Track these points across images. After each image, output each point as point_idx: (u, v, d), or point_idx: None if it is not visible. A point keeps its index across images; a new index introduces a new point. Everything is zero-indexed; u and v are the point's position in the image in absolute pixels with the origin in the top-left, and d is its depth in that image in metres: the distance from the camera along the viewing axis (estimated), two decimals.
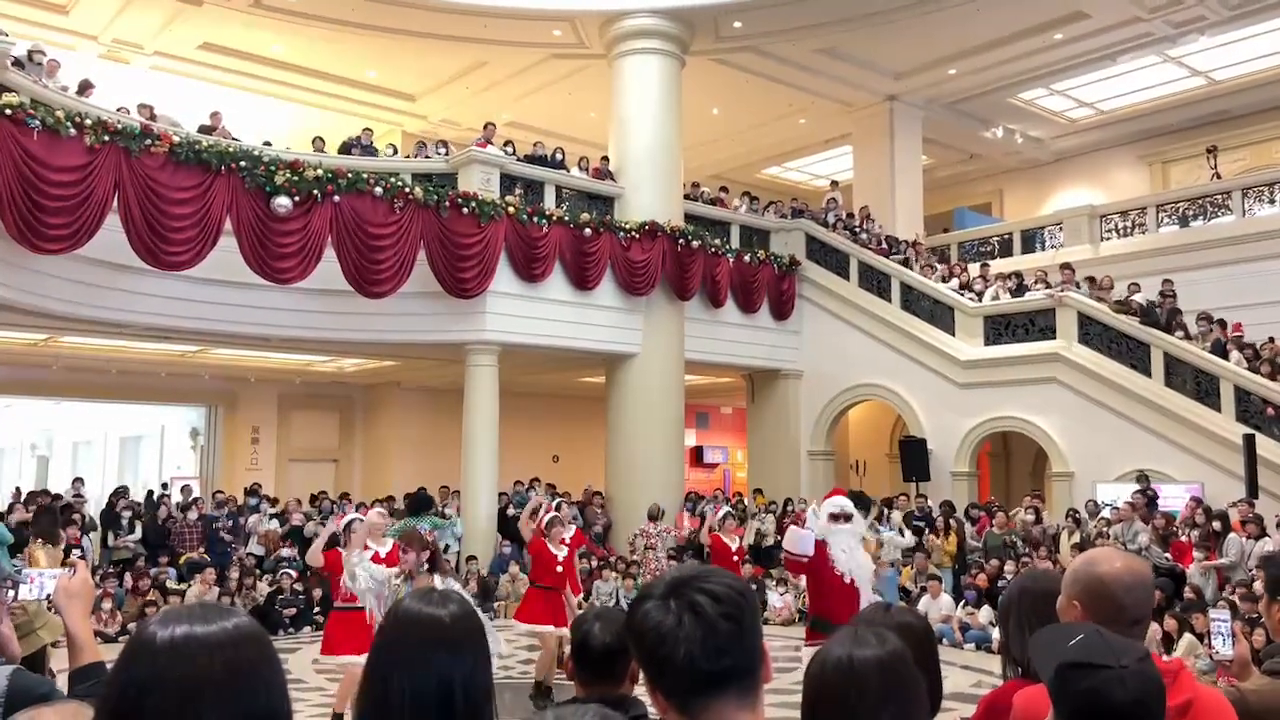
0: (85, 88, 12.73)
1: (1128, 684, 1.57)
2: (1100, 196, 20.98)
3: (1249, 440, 12.52)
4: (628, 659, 2.55)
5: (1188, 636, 9.36)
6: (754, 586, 12.78)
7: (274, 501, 16.08)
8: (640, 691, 2.30)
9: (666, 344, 16.38)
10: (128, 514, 14.49)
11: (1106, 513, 13.24)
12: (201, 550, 14.07)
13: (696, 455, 23.51)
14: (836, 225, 19.05)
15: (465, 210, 13.95)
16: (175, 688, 1.23)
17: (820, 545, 7.09)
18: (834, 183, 22.16)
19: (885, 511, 15.12)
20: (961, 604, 12.56)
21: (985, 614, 11.98)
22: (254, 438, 20.28)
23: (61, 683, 2.32)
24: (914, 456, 16.29)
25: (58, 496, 14.49)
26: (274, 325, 13.52)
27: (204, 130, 13.54)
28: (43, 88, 11.36)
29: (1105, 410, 14.55)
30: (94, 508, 15.28)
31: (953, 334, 16.57)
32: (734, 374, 19.34)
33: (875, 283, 17.77)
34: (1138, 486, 13.38)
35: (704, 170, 22.15)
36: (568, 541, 9.32)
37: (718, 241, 17.29)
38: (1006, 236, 20.29)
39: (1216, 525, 11.86)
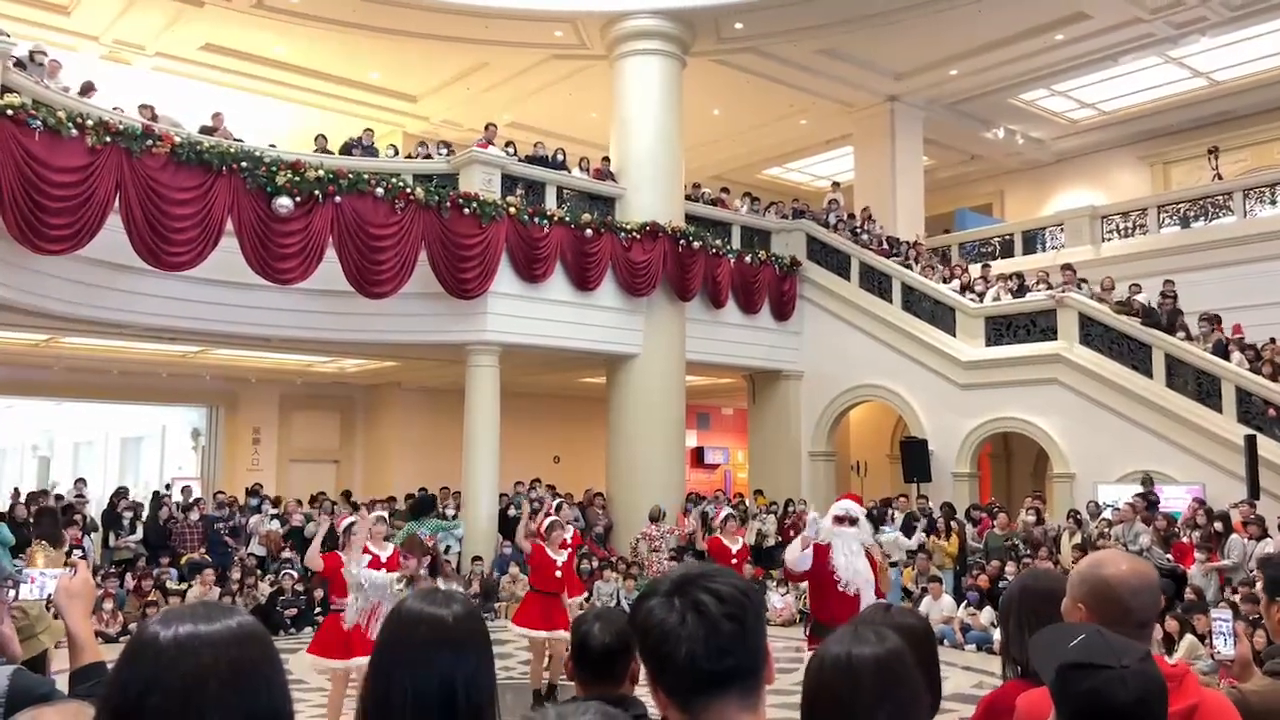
0: (88, 89, 12.74)
1: (1129, 684, 1.57)
2: (1101, 197, 20.97)
3: (1250, 441, 12.52)
4: (627, 659, 2.56)
5: (1189, 637, 9.36)
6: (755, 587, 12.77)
7: (276, 502, 16.07)
8: (640, 692, 2.30)
9: (667, 345, 16.38)
10: (129, 514, 14.51)
11: (1108, 514, 13.22)
12: (202, 551, 14.08)
13: (697, 456, 23.52)
14: (837, 226, 19.05)
15: (466, 211, 13.96)
16: (179, 686, 1.22)
17: (823, 550, 7.13)
18: (835, 183, 22.16)
19: (889, 512, 15.13)
20: (963, 605, 12.56)
21: (986, 615, 11.98)
22: (255, 438, 20.29)
23: (62, 683, 2.32)
24: (915, 457, 16.29)
25: (59, 497, 14.50)
26: (275, 326, 13.53)
27: (205, 131, 13.54)
28: (44, 88, 11.37)
29: (1106, 411, 14.54)
30: (95, 508, 15.28)
31: (954, 335, 16.56)
32: (735, 375, 19.34)
33: (876, 283, 17.77)
34: (1140, 488, 13.37)
35: (705, 171, 22.15)
36: (568, 543, 9.32)
37: (719, 242, 17.29)
38: (1008, 237, 20.29)
39: (1218, 526, 11.86)
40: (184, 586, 12.72)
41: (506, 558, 14.65)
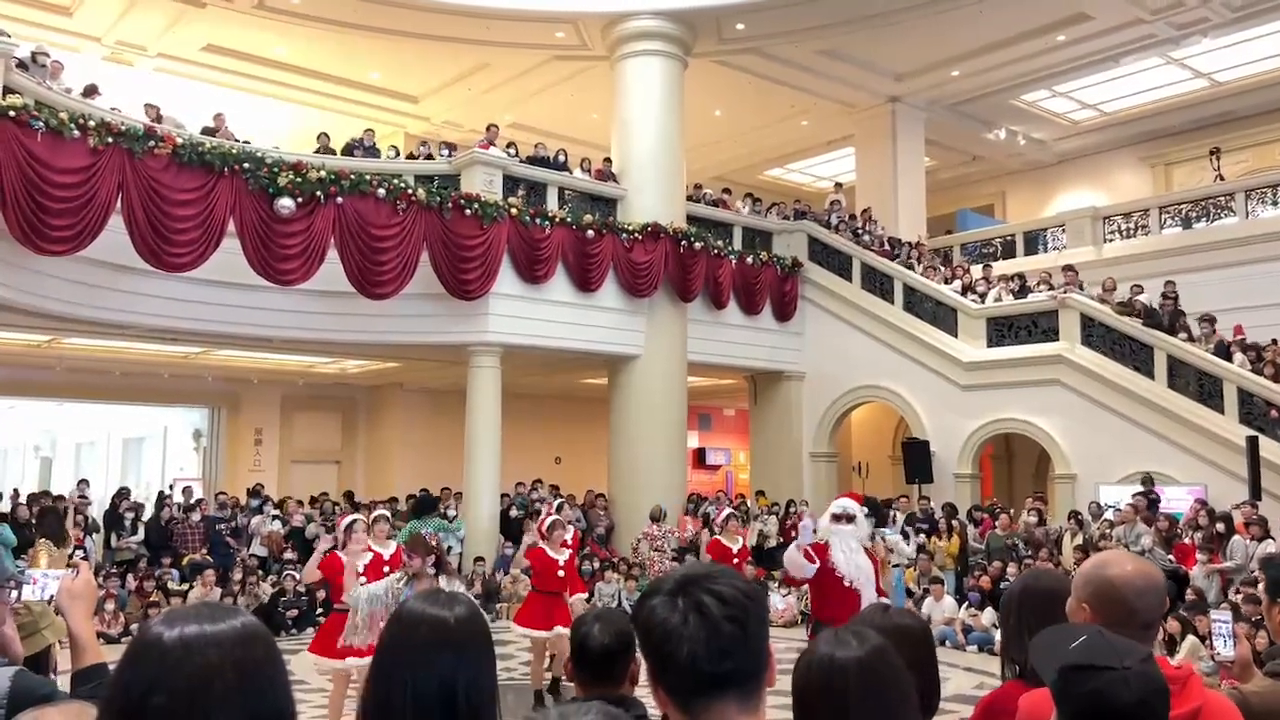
0: (91, 92, 12.74)
1: (1132, 685, 1.57)
2: (1103, 198, 20.97)
3: (1252, 442, 12.51)
4: (627, 660, 2.56)
5: (1191, 638, 9.35)
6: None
7: (280, 505, 16.07)
8: (640, 692, 2.30)
9: (669, 345, 16.38)
10: (130, 515, 14.52)
11: (1109, 514, 13.22)
12: (204, 552, 14.09)
13: (699, 457, 23.50)
14: (839, 227, 19.05)
15: (468, 212, 13.96)
16: (184, 686, 1.22)
17: (822, 548, 7.13)
18: (837, 184, 22.17)
19: (889, 513, 15.12)
20: (964, 606, 12.56)
21: (988, 616, 11.97)
22: (257, 439, 20.29)
23: (64, 684, 2.33)
24: (916, 458, 16.29)
25: (60, 497, 14.51)
26: (277, 326, 13.53)
27: (207, 132, 13.55)
28: (47, 89, 11.37)
29: (1108, 412, 14.54)
30: (97, 509, 15.29)
31: (955, 336, 16.56)
32: (736, 375, 19.34)
33: (878, 284, 17.77)
34: (1141, 488, 13.36)
35: (706, 172, 22.16)
36: (569, 543, 9.33)
37: (720, 243, 17.29)
38: (1009, 238, 20.29)
39: (1220, 527, 11.85)
40: (185, 587, 12.73)
41: (508, 559, 14.65)
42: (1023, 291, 16.37)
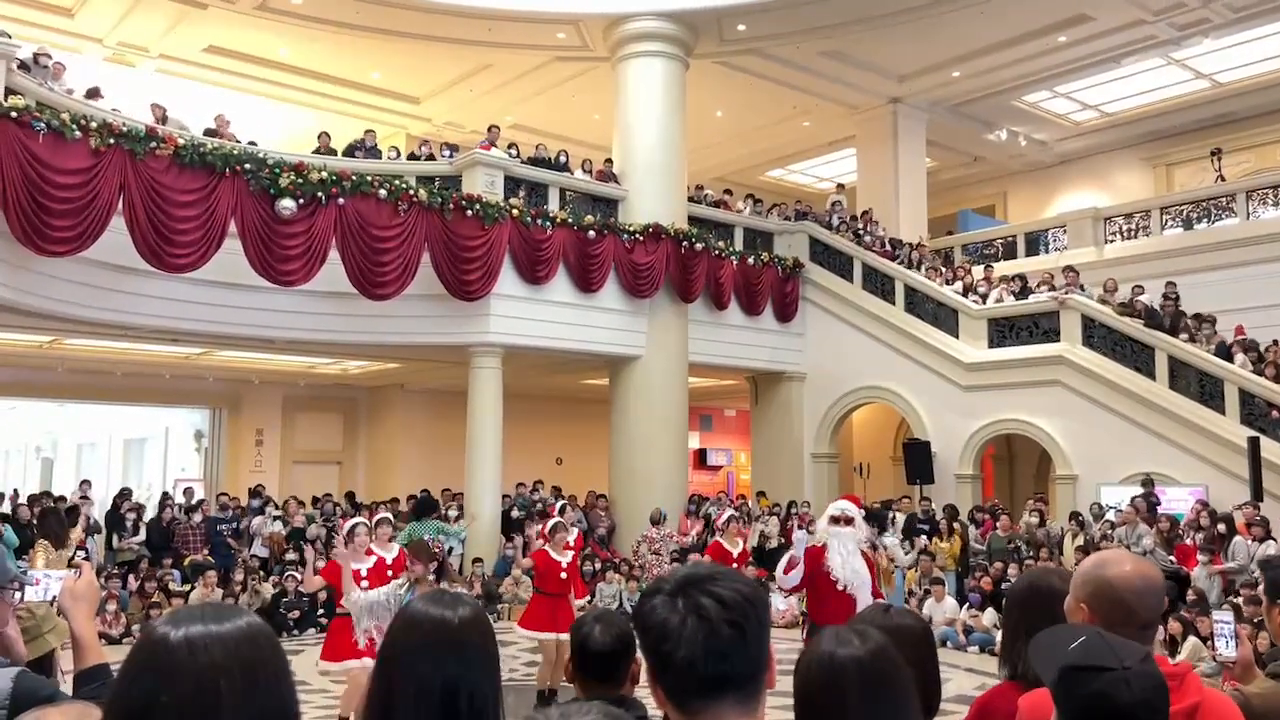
0: (93, 95, 12.75)
1: (1132, 685, 1.57)
2: (1104, 199, 20.95)
3: (1253, 443, 12.50)
4: (628, 661, 2.56)
5: (1192, 639, 9.35)
6: None
7: (281, 506, 16.06)
8: (640, 692, 2.30)
9: (670, 346, 16.38)
10: (132, 516, 14.52)
11: (1111, 515, 13.22)
12: (205, 552, 14.09)
13: (700, 458, 23.50)
14: (840, 228, 19.05)
15: (469, 213, 13.97)
16: (190, 686, 1.22)
17: (819, 551, 7.14)
18: (839, 185, 22.17)
19: (890, 515, 15.12)
20: (965, 607, 12.55)
21: (989, 617, 11.97)
22: (258, 440, 20.29)
23: (66, 685, 2.33)
24: (918, 459, 16.28)
25: (61, 498, 14.52)
26: (278, 327, 13.54)
27: (209, 133, 13.56)
28: (48, 90, 11.39)
29: (1109, 413, 14.53)
30: (98, 510, 15.30)
31: (956, 336, 16.56)
32: (737, 376, 19.34)
33: (879, 285, 17.77)
34: (1142, 489, 13.36)
35: (708, 173, 22.16)
36: (571, 545, 9.33)
37: (721, 244, 17.30)
38: (1010, 239, 20.27)
39: (1221, 528, 11.85)
40: (187, 588, 12.74)
41: (509, 560, 14.66)
42: (1024, 292, 16.36)
